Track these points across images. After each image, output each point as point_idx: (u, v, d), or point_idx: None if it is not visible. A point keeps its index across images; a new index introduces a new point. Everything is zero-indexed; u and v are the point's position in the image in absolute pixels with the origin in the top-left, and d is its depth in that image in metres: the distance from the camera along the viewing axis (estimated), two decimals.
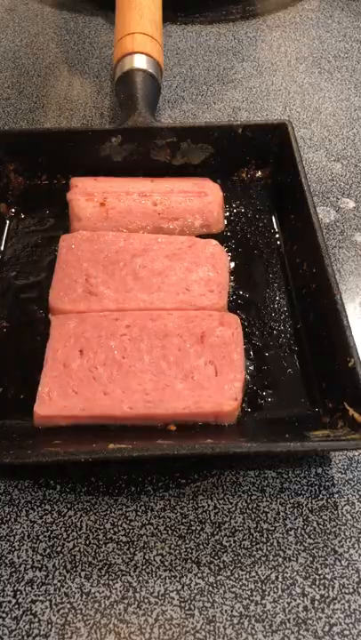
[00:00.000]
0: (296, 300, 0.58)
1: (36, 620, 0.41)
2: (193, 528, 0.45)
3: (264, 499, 0.47)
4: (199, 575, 0.43)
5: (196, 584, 0.42)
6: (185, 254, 0.59)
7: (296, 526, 0.45)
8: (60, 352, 0.51)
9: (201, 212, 0.63)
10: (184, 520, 0.45)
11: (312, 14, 0.99)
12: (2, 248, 0.62)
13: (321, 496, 0.47)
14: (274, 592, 0.42)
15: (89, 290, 0.56)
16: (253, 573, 0.43)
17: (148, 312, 0.54)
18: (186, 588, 0.42)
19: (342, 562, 0.43)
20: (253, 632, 0.40)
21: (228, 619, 0.41)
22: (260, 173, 0.69)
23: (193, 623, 0.41)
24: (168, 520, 0.45)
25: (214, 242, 0.61)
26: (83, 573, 0.43)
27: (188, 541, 0.44)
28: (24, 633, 0.40)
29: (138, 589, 0.42)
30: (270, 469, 0.48)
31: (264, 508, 0.46)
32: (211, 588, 0.42)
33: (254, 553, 0.44)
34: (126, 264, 0.58)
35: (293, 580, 0.43)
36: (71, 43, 0.92)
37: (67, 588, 0.42)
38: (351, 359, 0.47)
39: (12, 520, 0.45)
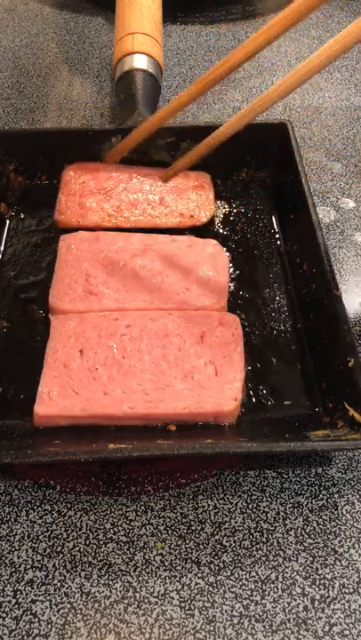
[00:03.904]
0: (296, 300, 0.58)
1: (36, 619, 0.41)
2: (193, 528, 0.45)
3: (264, 499, 0.47)
4: (199, 575, 0.43)
5: (196, 584, 0.42)
6: (185, 254, 0.59)
7: (296, 526, 0.45)
8: (60, 352, 0.51)
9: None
10: (184, 520, 0.45)
11: (312, 14, 0.99)
12: (2, 248, 0.63)
13: (321, 496, 0.47)
14: (274, 592, 0.42)
15: (89, 290, 0.56)
16: (253, 573, 0.43)
17: (148, 312, 0.54)
18: (186, 588, 0.42)
19: (342, 562, 0.43)
20: (253, 632, 0.40)
21: (228, 619, 0.41)
22: (260, 173, 0.69)
23: (193, 623, 0.41)
24: (168, 520, 0.45)
25: (214, 242, 0.61)
26: (83, 573, 0.43)
27: (188, 541, 0.44)
28: (24, 633, 0.40)
29: (138, 589, 0.42)
30: (270, 469, 0.48)
31: (264, 507, 0.46)
32: (211, 588, 0.42)
33: (254, 553, 0.44)
34: (126, 264, 0.58)
35: (293, 580, 0.43)
36: (71, 43, 0.92)
37: (67, 588, 0.42)
38: (351, 359, 0.47)
39: (12, 520, 0.45)
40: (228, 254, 0.61)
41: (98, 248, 0.59)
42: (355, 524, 0.45)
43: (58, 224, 0.63)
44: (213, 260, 0.59)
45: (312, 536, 0.45)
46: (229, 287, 0.58)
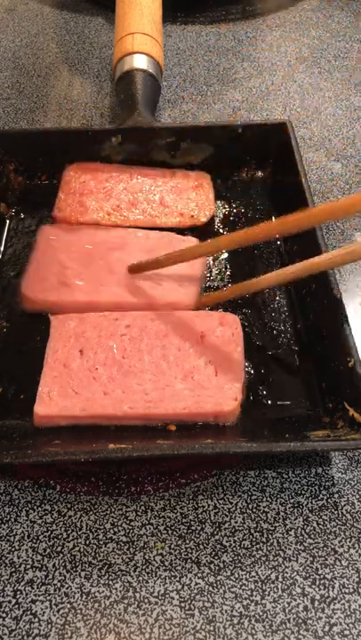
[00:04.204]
0: (296, 300, 0.58)
1: (36, 619, 0.41)
2: (193, 528, 0.45)
3: (264, 499, 0.47)
4: (199, 575, 0.43)
5: (196, 584, 0.42)
6: (162, 249, 0.59)
7: (296, 526, 0.45)
8: (60, 352, 0.51)
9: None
10: (184, 520, 0.45)
11: (312, 14, 0.99)
12: (2, 248, 0.62)
13: (321, 496, 0.47)
14: (274, 592, 0.42)
15: (63, 281, 0.56)
16: (253, 573, 0.43)
17: (148, 312, 0.54)
18: (186, 588, 0.42)
19: (342, 562, 0.43)
20: (253, 632, 0.40)
21: (228, 619, 0.41)
22: (260, 173, 0.69)
23: (193, 623, 0.41)
24: (168, 520, 0.45)
25: (193, 239, 0.61)
26: (83, 573, 0.43)
27: (188, 541, 0.44)
28: (24, 633, 0.40)
29: (138, 589, 0.42)
30: (270, 469, 0.48)
31: (264, 507, 0.46)
32: (211, 588, 0.42)
33: (254, 553, 0.44)
34: (103, 257, 0.58)
35: (293, 580, 0.43)
36: (71, 43, 0.92)
37: (67, 588, 0.42)
38: (351, 359, 0.47)
39: (12, 520, 0.45)
40: (227, 254, 0.61)
41: (76, 240, 0.60)
42: (355, 524, 0.45)
43: (57, 220, 0.63)
44: None
45: (312, 536, 0.45)
46: (228, 287, 0.58)
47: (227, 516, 0.46)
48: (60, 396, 0.49)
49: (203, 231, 0.63)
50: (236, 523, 0.45)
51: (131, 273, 0.57)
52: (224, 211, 0.66)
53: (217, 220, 0.65)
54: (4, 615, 0.41)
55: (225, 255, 0.62)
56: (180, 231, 0.63)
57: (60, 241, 0.59)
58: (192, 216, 0.63)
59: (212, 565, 0.43)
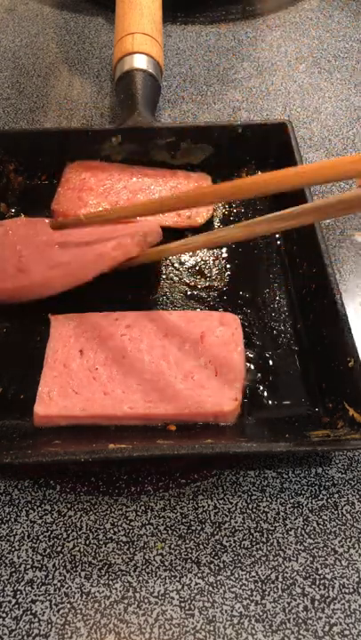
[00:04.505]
0: (296, 300, 0.58)
1: (36, 619, 0.41)
2: (193, 528, 0.45)
3: (264, 499, 0.47)
4: (199, 575, 0.43)
5: (196, 584, 0.42)
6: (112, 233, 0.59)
7: (296, 526, 0.45)
8: (60, 352, 0.51)
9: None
10: (184, 520, 0.45)
11: (312, 14, 0.99)
12: None
13: (321, 496, 0.47)
14: (274, 592, 0.42)
15: (19, 268, 0.57)
16: (253, 573, 0.43)
17: (148, 312, 0.54)
18: (186, 588, 0.42)
19: (342, 562, 0.43)
20: (253, 632, 0.40)
21: (228, 619, 0.41)
22: (260, 173, 0.69)
23: (193, 623, 0.41)
24: (168, 520, 0.45)
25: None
26: (83, 573, 0.43)
27: (188, 541, 0.44)
28: (24, 633, 0.40)
29: (138, 589, 0.42)
30: (270, 469, 0.48)
31: (264, 507, 0.46)
32: (211, 588, 0.42)
33: (254, 553, 0.44)
34: (56, 241, 0.58)
35: (293, 579, 0.43)
36: (71, 43, 0.92)
37: (67, 588, 0.42)
38: (351, 359, 0.47)
39: (12, 520, 0.45)
40: (227, 254, 0.61)
41: (34, 232, 0.60)
42: (355, 524, 0.45)
43: (54, 214, 0.63)
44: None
45: (312, 536, 0.45)
46: (229, 287, 0.58)
47: (227, 516, 0.46)
48: (59, 395, 0.49)
49: (201, 232, 0.63)
50: (236, 523, 0.45)
51: (53, 229, 0.58)
52: (223, 211, 0.66)
53: (216, 221, 0.65)
54: (4, 615, 0.41)
55: (225, 255, 0.62)
56: (178, 231, 0.63)
57: (18, 234, 0.60)
58: (189, 217, 0.63)
59: (212, 565, 0.43)
